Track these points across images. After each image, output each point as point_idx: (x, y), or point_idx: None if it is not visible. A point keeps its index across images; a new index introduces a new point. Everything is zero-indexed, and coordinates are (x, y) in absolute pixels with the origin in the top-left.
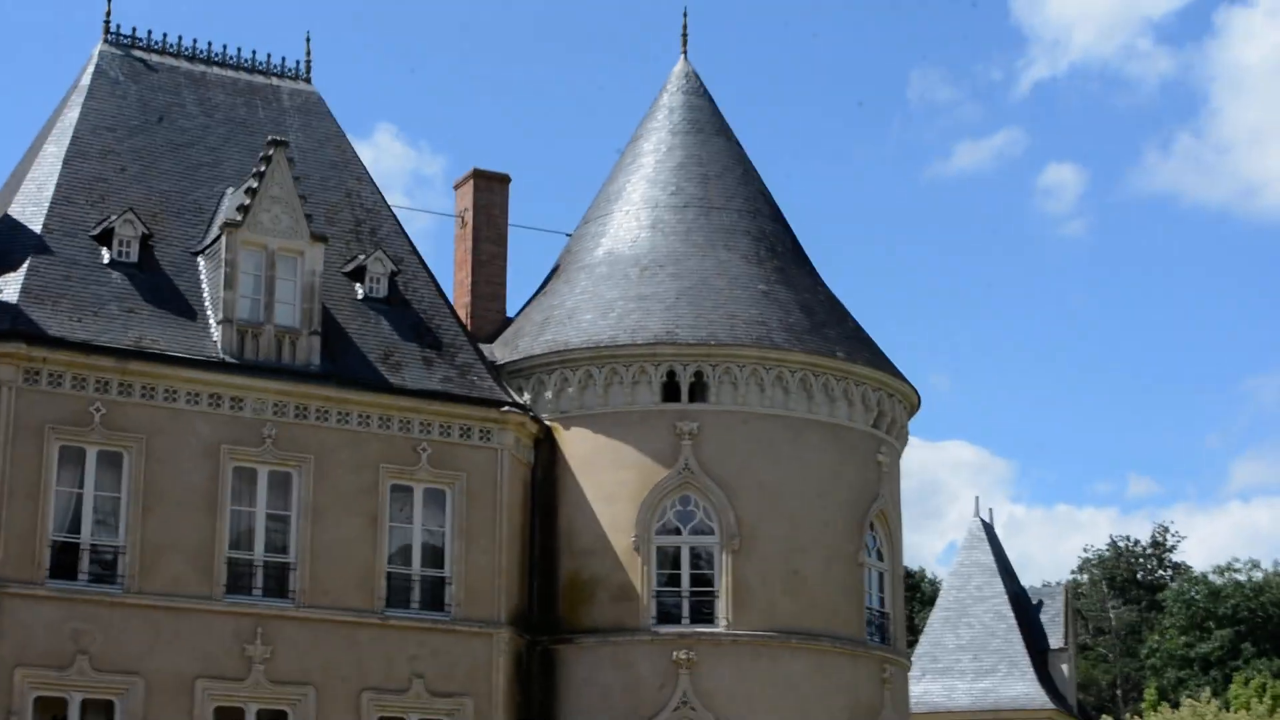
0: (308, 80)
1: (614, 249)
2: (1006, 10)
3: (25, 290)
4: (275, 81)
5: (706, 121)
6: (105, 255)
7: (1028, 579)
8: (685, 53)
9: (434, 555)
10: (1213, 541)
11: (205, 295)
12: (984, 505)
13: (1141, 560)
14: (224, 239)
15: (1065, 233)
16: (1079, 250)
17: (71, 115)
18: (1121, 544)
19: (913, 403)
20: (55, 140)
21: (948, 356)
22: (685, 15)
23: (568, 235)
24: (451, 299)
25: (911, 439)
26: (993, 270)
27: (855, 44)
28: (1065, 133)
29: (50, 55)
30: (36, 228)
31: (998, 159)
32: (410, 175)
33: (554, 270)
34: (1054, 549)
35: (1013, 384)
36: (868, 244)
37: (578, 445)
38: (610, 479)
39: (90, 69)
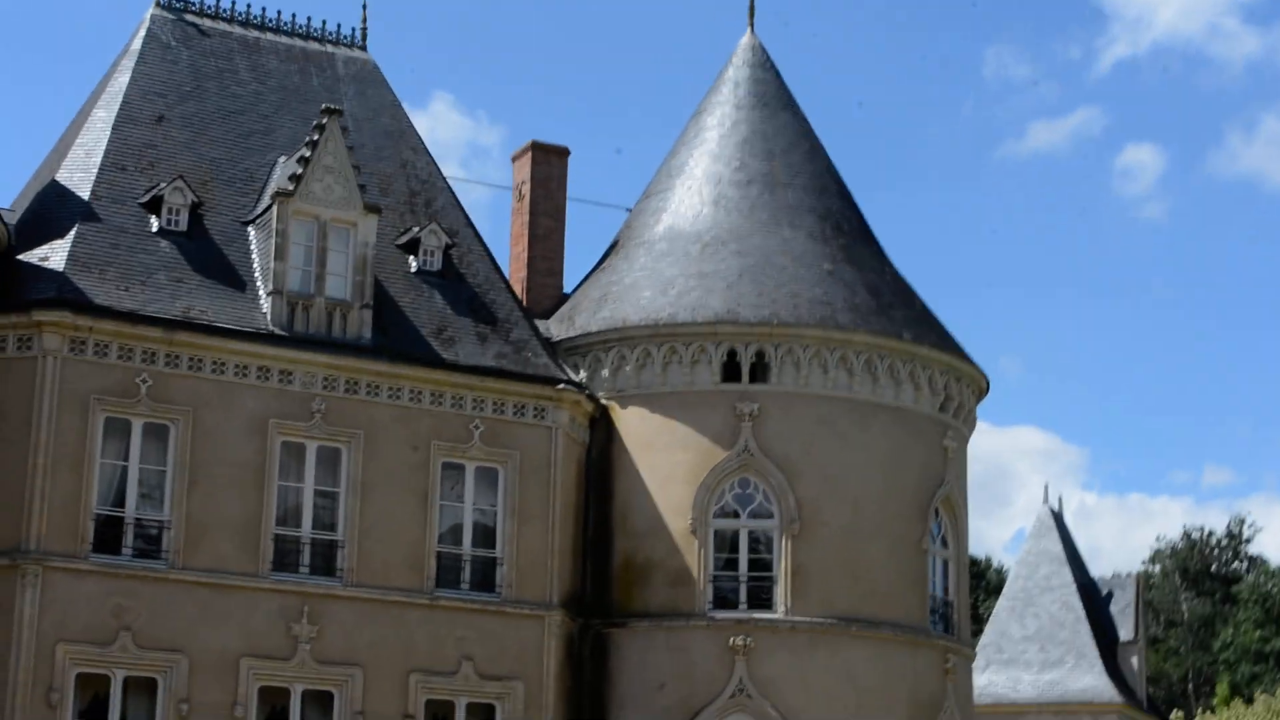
0: (363, 48)
1: (675, 225)
2: None
3: (72, 258)
4: (330, 49)
5: (772, 96)
6: (154, 223)
7: (1097, 569)
8: (752, 25)
9: (485, 535)
10: None
11: (255, 266)
12: (1053, 493)
13: (1216, 552)
14: (275, 209)
15: (1143, 215)
16: (1157, 233)
17: (122, 80)
18: (1196, 535)
19: (981, 387)
20: (105, 105)
21: (1018, 340)
22: None
23: (627, 210)
24: (507, 274)
25: (979, 424)
26: (1067, 253)
27: (930, 19)
28: (1145, 113)
29: (102, 19)
30: (85, 194)
31: (1075, 139)
32: (467, 146)
33: (612, 246)
34: (1125, 539)
35: (1085, 369)
36: (938, 224)
37: (634, 425)
38: (667, 460)
39: (141, 33)
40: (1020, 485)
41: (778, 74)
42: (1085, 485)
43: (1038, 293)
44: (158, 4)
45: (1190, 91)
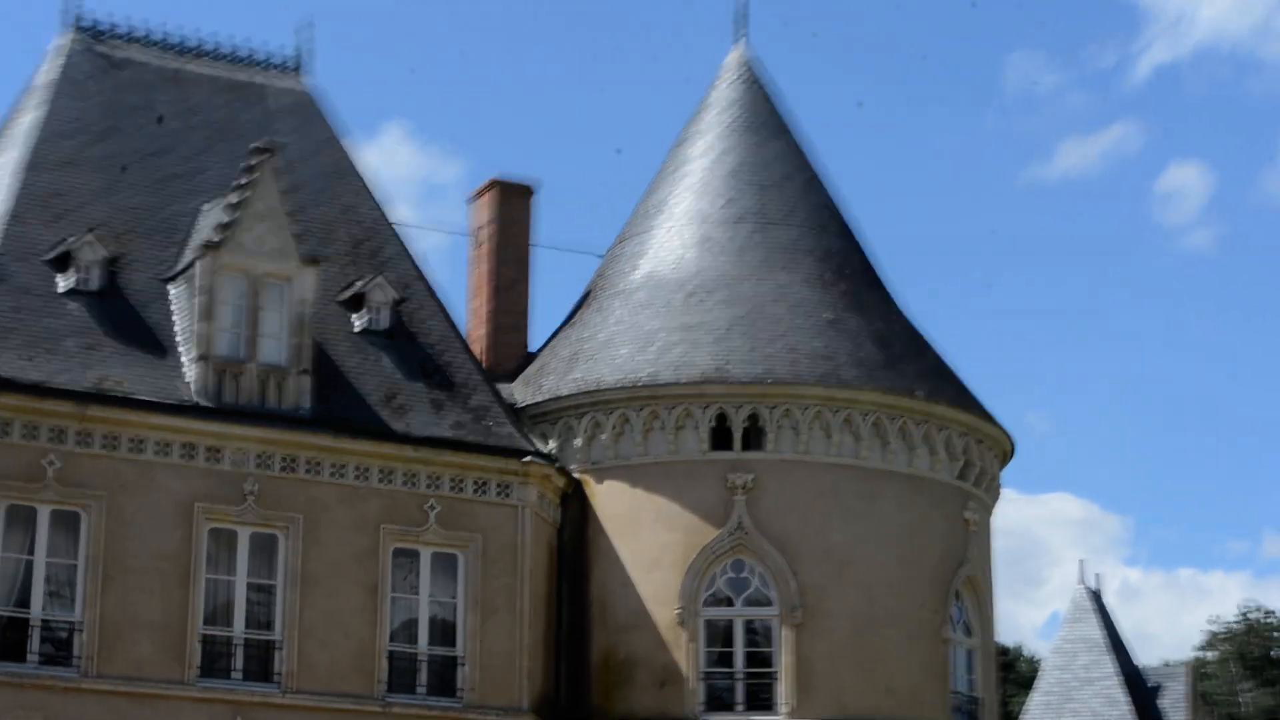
0: (299, 76)
1: (655, 271)
2: None
3: None
4: (263, 78)
5: (765, 120)
6: (62, 282)
7: (1144, 657)
8: (744, 38)
9: (444, 631)
10: None
11: (178, 329)
12: (1091, 569)
13: (1279, 635)
14: (200, 263)
15: (1188, 245)
16: (1205, 266)
17: (27, 119)
18: (1255, 615)
19: (1006, 450)
20: (8, 148)
21: (1048, 394)
22: None
23: (600, 256)
24: (465, 331)
25: (1005, 491)
26: (1102, 291)
27: (943, 24)
28: (1189, 127)
29: (5, 48)
30: None
31: (1109, 158)
32: (421, 184)
33: (585, 297)
34: (1175, 621)
35: (1126, 426)
36: (953, 262)
37: (613, 501)
38: (651, 541)
39: (51, 65)
40: (1054, 561)
41: (771, 95)
42: (1128, 560)
43: (1069, 338)
44: (69, 31)
45: (1240, 102)
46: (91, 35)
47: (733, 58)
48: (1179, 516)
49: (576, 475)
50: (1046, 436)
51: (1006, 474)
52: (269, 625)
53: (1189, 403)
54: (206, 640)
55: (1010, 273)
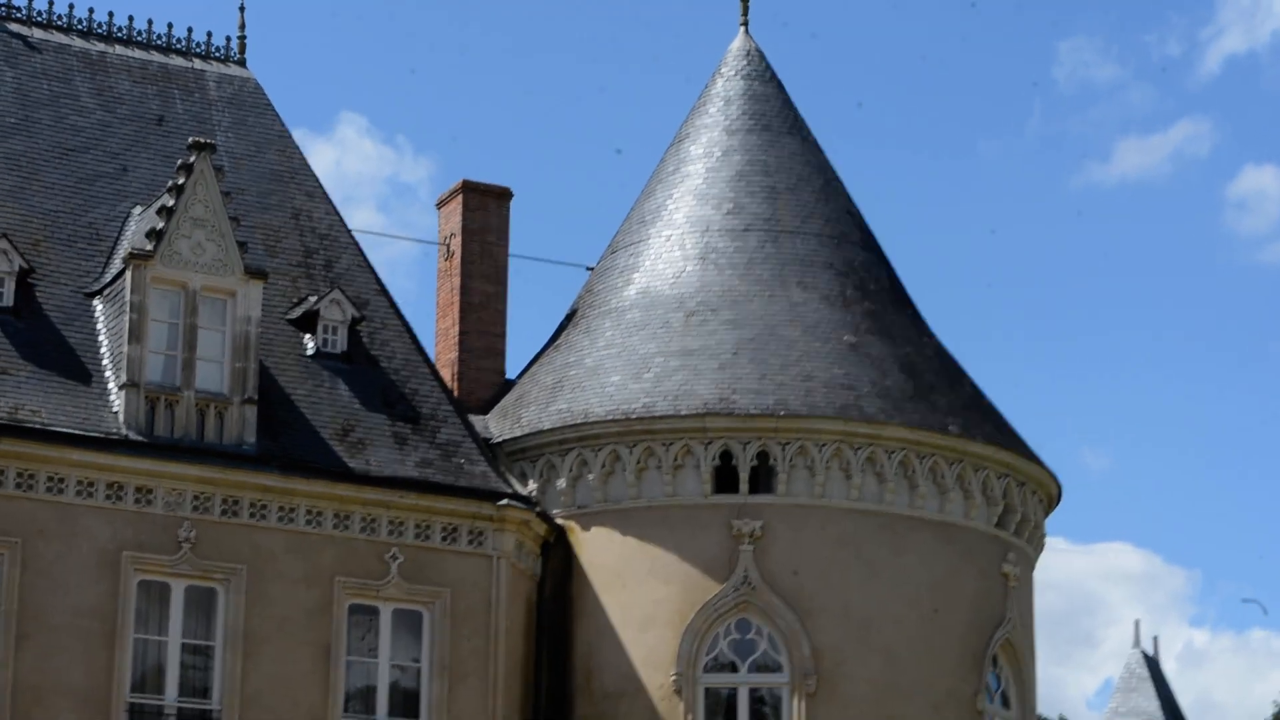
0: (242, 63)
1: (650, 287)
2: None
3: None
4: (199, 65)
5: (775, 116)
6: None
7: None
8: (745, 24)
9: (406, 700)
10: None
11: (104, 351)
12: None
13: None
14: (129, 275)
15: (1265, 259)
16: None
17: None
18: None
19: (1051, 493)
20: None
21: (1104, 428)
22: None
23: (589, 269)
24: (433, 355)
25: (1054, 540)
26: (1167, 309)
27: (985, 7)
28: (1266, 126)
29: None
30: None
31: (1175, 161)
32: (385, 183)
33: (570, 316)
34: (1246, 690)
35: (1192, 466)
36: (995, 277)
37: (600, 551)
38: (643, 597)
39: None
40: (1109, 620)
41: (781, 87)
42: (1194, 620)
43: (1129, 364)
44: None
45: None
46: (2, 15)
47: (737, 46)
48: (1252, 571)
49: (559, 521)
50: (1104, 477)
51: (1056, 520)
52: (206, 692)
53: (1267, 441)
54: (135, 709)
55: (1062, 289)
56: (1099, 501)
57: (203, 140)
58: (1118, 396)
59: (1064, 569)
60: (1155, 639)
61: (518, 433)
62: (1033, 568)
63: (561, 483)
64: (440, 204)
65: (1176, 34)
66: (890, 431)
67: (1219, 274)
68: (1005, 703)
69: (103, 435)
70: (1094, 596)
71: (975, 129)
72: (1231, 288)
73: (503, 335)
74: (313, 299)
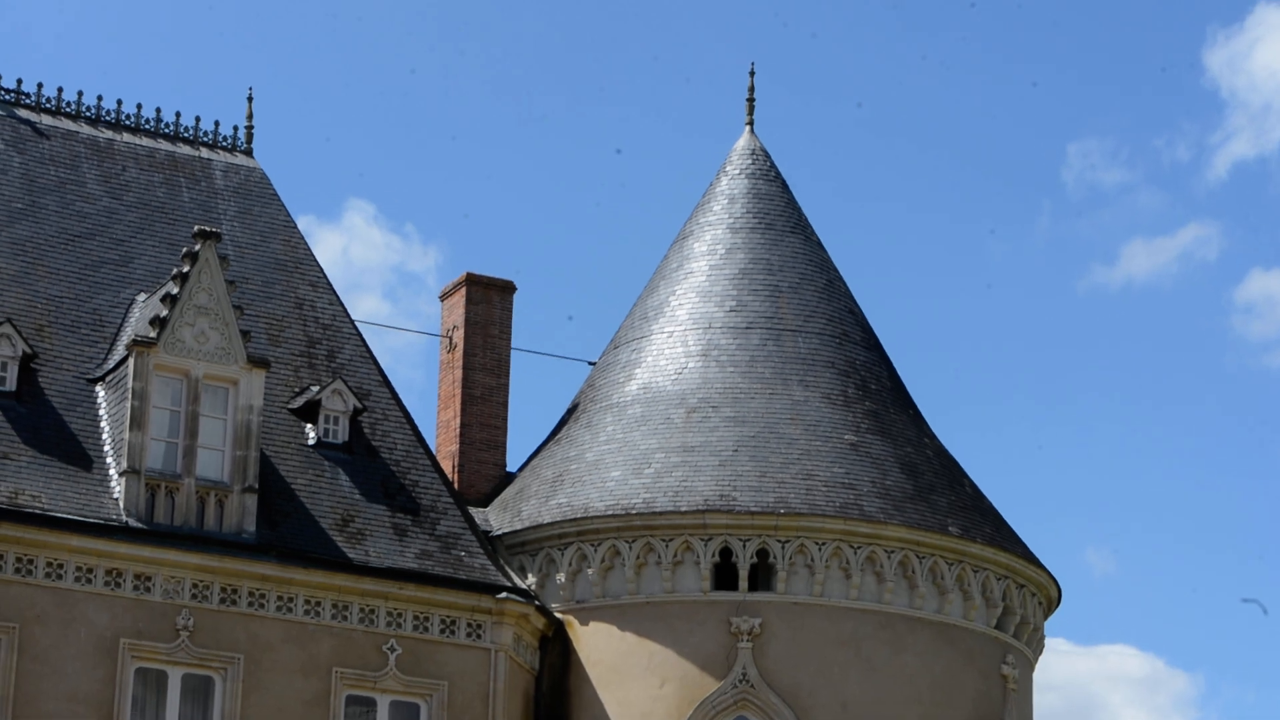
0: (249, 152)
1: (652, 383)
2: (1199, 67)
3: None
4: (206, 153)
5: (778, 214)
6: None
7: None
8: (751, 124)
9: None
10: None
11: (105, 437)
12: None
13: None
14: (132, 362)
15: (1272, 363)
16: None
17: None
18: None
19: (1051, 597)
20: None
21: (1108, 531)
22: (752, 74)
23: (591, 364)
24: (434, 446)
25: (1057, 641)
26: (1173, 413)
27: (994, 109)
28: (1274, 230)
29: None
30: None
31: (1183, 263)
32: (392, 271)
33: (571, 410)
34: None
35: (1198, 569)
36: (997, 378)
37: (599, 646)
38: (641, 693)
39: None
40: None
41: (785, 186)
42: None
43: (1134, 467)
44: None
45: None
46: (7, 100)
47: (742, 145)
48: (1259, 675)
49: (558, 615)
50: (1108, 579)
51: (1058, 622)
52: None
53: (1273, 544)
54: None
55: (1067, 390)
56: (1102, 604)
57: (208, 229)
58: (1123, 499)
59: (1065, 670)
60: None
61: (518, 526)
62: (1032, 669)
63: (561, 577)
64: (444, 296)
65: (1186, 138)
66: (890, 531)
67: (1226, 377)
68: None
69: (102, 521)
70: (1095, 699)
71: (982, 231)
72: (1239, 391)
73: (504, 428)
74: (315, 389)
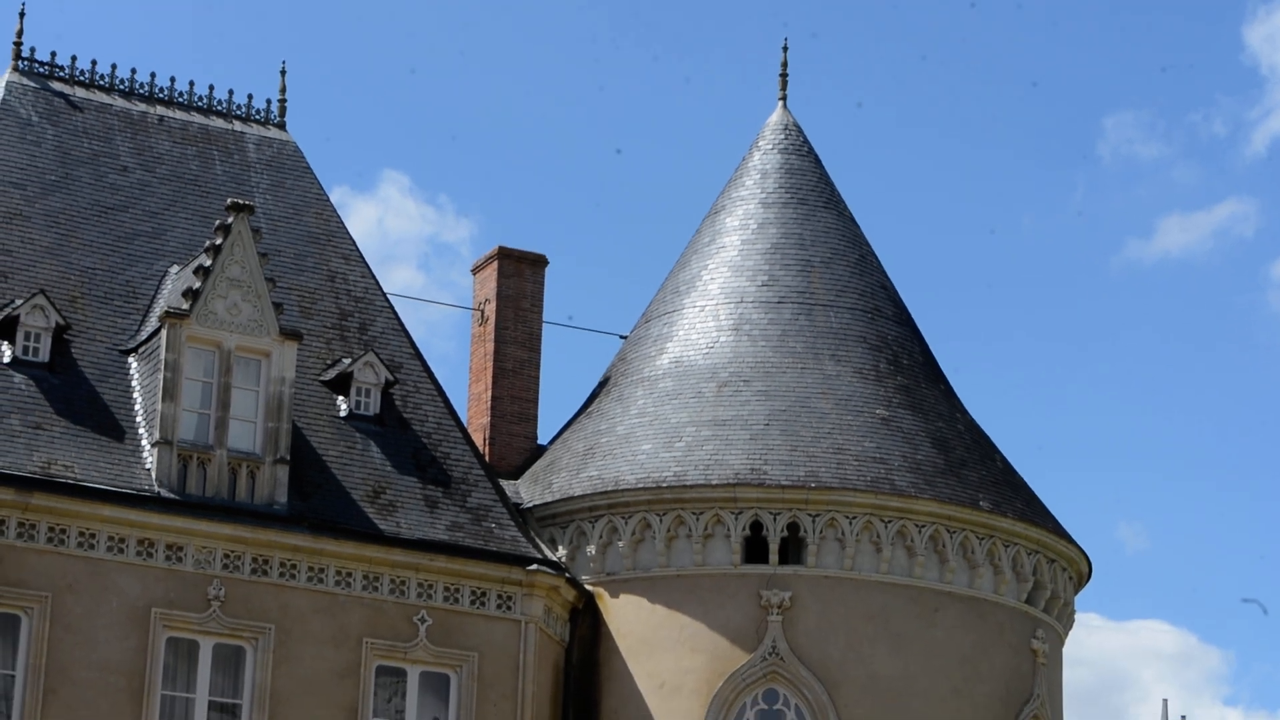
0: (282, 125)
1: (683, 357)
2: (1238, 43)
3: None
4: (239, 127)
5: (811, 189)
6: (6, 352)
7: None
8: (784, 99)
9: None
10: None
11: (138, 408)
12: (1178, 709)
13: None
14: (164, 333)
15: None
16: None
17: None
18: None
19: (1081, 571)
20: None
21: (1141, 506)
22: (785, 49)
23: (622, 338)
24: (466, 420)
25: (1089, 616)
26: (1208, 389)
27: (1028, 80)
28: None
29: None
30: None
31: (1219, 239)
32: (427, 242)
33: (602, 384)
34: None
35: (1230, 544)
36: (1031, 353)
37: (629, 619)
38: (671, 665)
39: None
40: (1141, 697)
41: (818, 161)
42: (1228, 699)
43: (1168, 442)
44: (16, 68)
45: None
46: (41, 74)
47: (774, 120)
48: None
49: (589, 587)
50: (1141, 555)
51: (1090, 597)
52: None
53: None
54: None
55: (1100, 365)
56: (1135, 579)
57: (241, 201)
58: (1157, 474)
59: (1097, 646)
60: (1184, 718)
61: (548, 498)
62: (1062, 644)
63: (591, 549)
64: (475, 269)
65: (1223, 113)
66: (921, 506)
67: (1260, 353)
68: None
69: (135, 492)
70: (1126, 674)
71: (1018, 203)
72: (1273, 368)
73: (535, 401)
74: (346, 361)
